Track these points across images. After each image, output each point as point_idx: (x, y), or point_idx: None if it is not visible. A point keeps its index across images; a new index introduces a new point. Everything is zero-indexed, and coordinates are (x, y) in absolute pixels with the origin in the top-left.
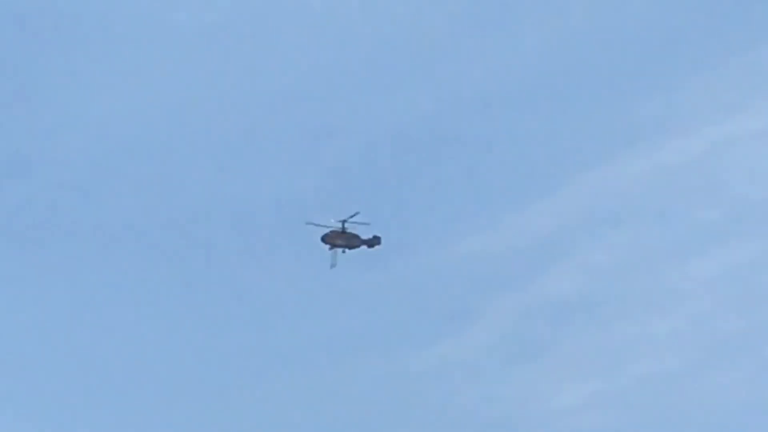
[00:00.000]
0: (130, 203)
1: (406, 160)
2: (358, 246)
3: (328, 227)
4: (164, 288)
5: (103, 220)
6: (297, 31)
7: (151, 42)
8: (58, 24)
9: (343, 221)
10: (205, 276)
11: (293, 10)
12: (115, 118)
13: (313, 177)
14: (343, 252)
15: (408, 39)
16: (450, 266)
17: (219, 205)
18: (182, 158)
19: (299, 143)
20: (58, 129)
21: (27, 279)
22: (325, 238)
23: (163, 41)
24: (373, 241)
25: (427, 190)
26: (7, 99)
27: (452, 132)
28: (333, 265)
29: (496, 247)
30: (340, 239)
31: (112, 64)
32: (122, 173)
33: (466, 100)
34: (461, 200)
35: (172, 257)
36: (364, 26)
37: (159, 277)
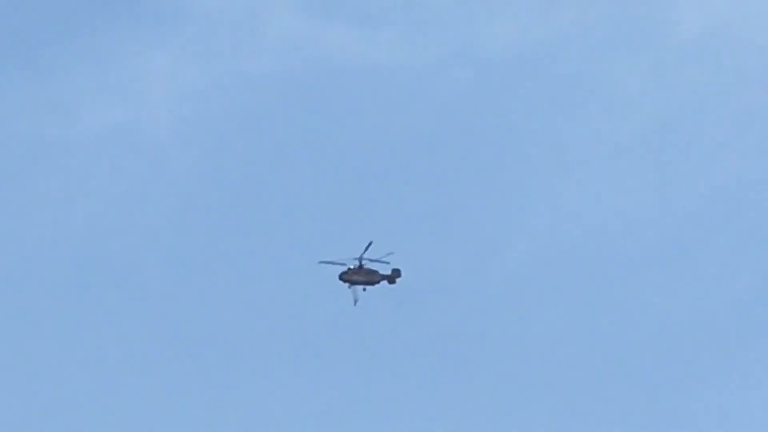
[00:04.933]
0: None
1: None
2: (378, 282)
3: (342, 264)
4: None
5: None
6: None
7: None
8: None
9: (360, 258)
10: None
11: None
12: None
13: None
14: (364, 290)
15: None
16: None
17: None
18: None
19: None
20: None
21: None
22: (342, 276)
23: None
24: (393, 276)
25: None
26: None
27: None
28: (355, 302)
29: None
30: (358, 276)
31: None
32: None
33: None
34: None
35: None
36: None
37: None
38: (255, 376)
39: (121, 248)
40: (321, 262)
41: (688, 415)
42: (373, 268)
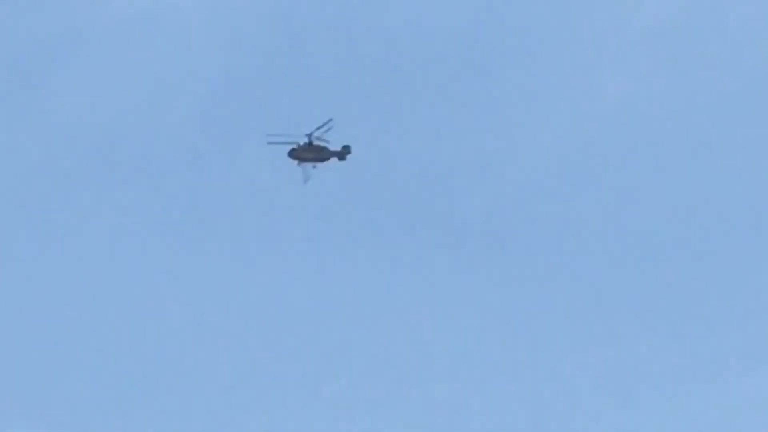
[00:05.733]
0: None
1: None
2: (328, 158)
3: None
4: None
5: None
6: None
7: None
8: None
9: (310, 134)
10: None
11: None
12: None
13: None
14: (314, 167)
15: None
16: None
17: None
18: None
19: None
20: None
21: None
22: (292, 154)
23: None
24: (343, 152)
25: None
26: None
27: None
28: (306, 180)
29: None
30: (308, 153)
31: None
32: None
33: None
34: None
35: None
36: None
37: None
38: (209, 255)
39: (145, 133)
40: (270, 143)
41: (710, 298)
42: (323, 144)
